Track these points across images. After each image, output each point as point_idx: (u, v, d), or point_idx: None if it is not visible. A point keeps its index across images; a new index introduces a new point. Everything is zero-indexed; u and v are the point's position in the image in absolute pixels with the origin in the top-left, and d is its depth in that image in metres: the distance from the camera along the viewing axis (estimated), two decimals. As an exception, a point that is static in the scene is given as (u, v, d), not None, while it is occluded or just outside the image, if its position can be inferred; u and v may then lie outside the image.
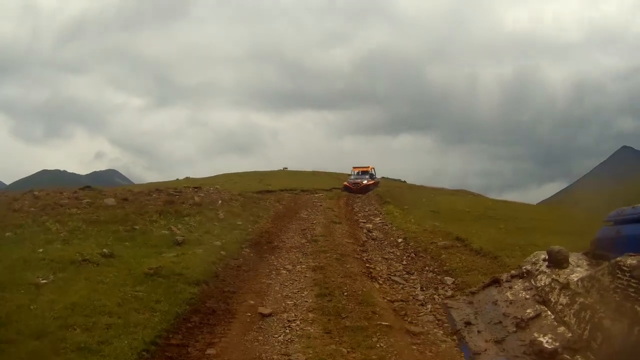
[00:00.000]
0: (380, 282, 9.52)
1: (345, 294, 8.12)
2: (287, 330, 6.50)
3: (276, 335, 6.35)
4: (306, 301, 7.75)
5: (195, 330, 6.31)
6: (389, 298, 8.44)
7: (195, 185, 25.23)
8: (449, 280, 9.55)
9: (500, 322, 3.48)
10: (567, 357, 2.72)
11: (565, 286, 3.27)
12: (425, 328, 7.11)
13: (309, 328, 6.55)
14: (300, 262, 10.51)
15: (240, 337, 6.29)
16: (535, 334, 3.09)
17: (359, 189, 33.10)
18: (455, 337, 3.77)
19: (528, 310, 3.41)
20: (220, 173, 54.49)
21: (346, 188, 34.04)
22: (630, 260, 2.61)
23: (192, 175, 51.55)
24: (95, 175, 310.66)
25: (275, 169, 58.86)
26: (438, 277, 9.92)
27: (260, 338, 6.28)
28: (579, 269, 3.55)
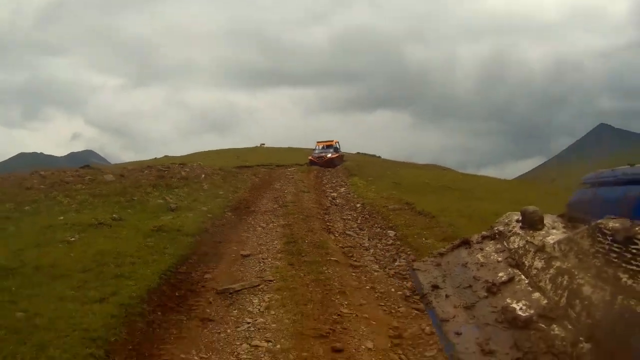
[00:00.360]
0: (336, 235, 11.98)
1: (306, 242, 10.54)
2: (261, 264, 8.90)
3: (253, 267, 8.75)
4: (276, 247, 10.18)
5: (194, 264, 8.67)
6: (340, 245, 10.90)
7: (177, 163, 27.41)
8: (391, 233, 12.01)
9: (470, 287, 3.40)
10: (543, 325, 2.59)
11: (541, 249, 3.15)
12: (365, 263, 9.58)
13: (277, 262, 8.97)
14: (272, 222, 12.92)
15: (227, 268, 8.71)
16: (508, 300, 2.96)
17: (323, 162, 34.25)
18: (421, 301, 3.86)
19: (500, 274, 3.30)
20: (198, 151, 55.95)
21: (311, 162, 35.18)
22: (613, 224, 2.50)
23: (170, 154, 52.92)
24: (72, 156, 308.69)
25: (254, 145, 60.25)
26: (383, 231, 12.37)
27: (242, 269, 8.68)
28: (554, 231, 3.46)
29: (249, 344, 5.50)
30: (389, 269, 9.17)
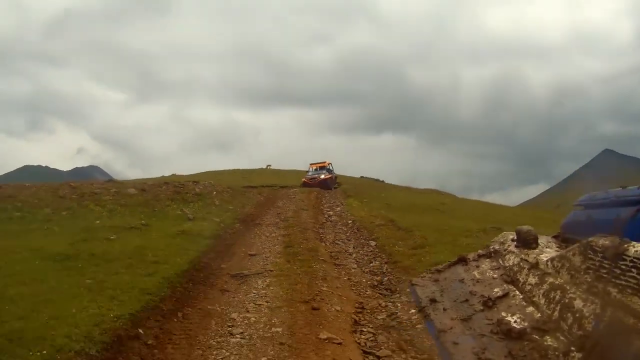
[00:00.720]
0: (327, 244, 14.42)
1: (301, 247, 12.97)
2: (265, 261, 11.36)
3: (258, 262, 11.21)
4: (276, 249, 12.64)
5: (212, 258, 11.12)
6: (329, 250, 13.33)
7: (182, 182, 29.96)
8: (372, 243, 14.43)
9: (467, 301, 3.60)
10: (536, 337, 2.77)
11: (535, 266, 3.33)
12: (346, 264, 12.01)
13: (277, 259, 11.42)
14: (274, 232, 15.39)
15: (238, 262, 11.20)
16: (503, 314, 3.17)
17: (316, 183, 34.78)
18: (419, 314, 4.10)
19: (496, 290, 3.49)
20: (205, 170, 56.54)
21: (304, 184, 35.26)
22: (603, 241, 2.65)
23: (177, 172, 54.10)
24: (77, 171, 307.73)
25: (258, 166, 61.56)
26: (366, 241, 14.78)
27: (249, 263, 11.14)
28: (548, 249, 3.62)
29: (255, 303, 7.98)
30: (365, 268, 11.63)
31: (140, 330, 6.25)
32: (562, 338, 2.61)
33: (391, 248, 13.21)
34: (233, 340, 6.45)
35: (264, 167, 60.59)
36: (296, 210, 20.76)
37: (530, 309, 3.06)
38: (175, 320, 7.13)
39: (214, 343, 6.38)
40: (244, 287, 9.08)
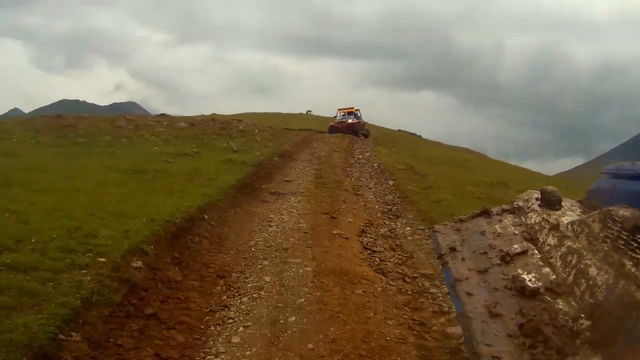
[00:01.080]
0: (352, 179, 16.76)
1: (329, 179, 15.35)
2: (297, 185, 13.81)
3: (292, 186, 13.67)
4: (308, 179, 15.07)
5: (255, 181, 13.55)
6: (352, 184, 15.67)
7: (227, 120, 32.46)
8: (390, 182, 16.69)
9: (486, 253, 3.76)
10: (549, 298, 2.84)
11: (555, 227, 3.42)
12: (365, 194, 14.35)
13: (308, 185, 13.85)
14: (307, 167, 17.81)
15: (276, 185, 13.71)
16: (519, 271, 3.27)
17: (343, 127, 35.26)
18: (438, 261, 4.28)
19: (515, 246, 3.64)
20: (246, 112, 57.20)
21: (332, 127, 35.81)
22: (623, 212, 2.68)
23: (217, 112, 54.99)
24: (114, 106, 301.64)
25: (298, 112, 62.37)
26: (386, 181, 17.06)
27: (285, 186, 13.62)
28: (570, 212, 3.77)
29: (287, 211, 10.50)
30: (379, 199, 13.93)
31: (206, 216, 8.75)
32: (573, 303, 2.67)
33: (405, 187, 15.44)
34: (270, 229, 8.98)
35: (304, 112, 61.34)
36: (329, 152, 23.11)
37: (546, 269, 3.12)
38: (229, 214, 9.64)
39: (257, 229, 8.89)
40: (280, 201, 11.58)
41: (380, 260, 8.03)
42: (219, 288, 6.57)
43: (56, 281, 5.11)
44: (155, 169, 12.87)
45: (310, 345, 5.06)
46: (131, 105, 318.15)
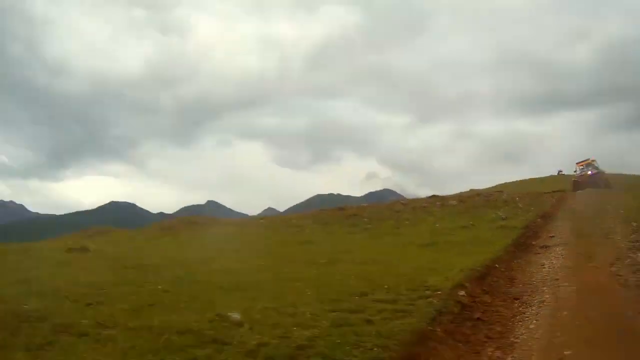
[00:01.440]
0: (601, 228, 19.44)
1: (583, 231, 18.45)
2: (560, 239, 17.36)
3: (557, 239, 17.27)
4: (567, 232, 18.44)
5: (526, 239, 17.40)
6: (603, 232, 18.43)
7: (490, 192, 36.44)
8: (634, 223, 18.97)
9: None
10: None
11: None
12: (614, 237, 17.14)
13: (568, 237, 17.29)
14: (566, 223, 20.99)
15: (543, 239, 17.43)
16: None
17: (585, 180, 37.16)
18: None
19: None
20: (500, 183, 59.23)
21: (575, 183, 37.81)
22: None
23: (474, 187, 57.27)
24: (371, 195, 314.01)
25: (549, 173, 63.78)
26: (630, 223, 19.36)
27: (551, 239, 17.29)
28: None
29: (555, 257, 14.29)
30: (624, 239, 16.62)
31: (497, 265, 13.20)
32: None
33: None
34: (544, 269, 12.97)
35: (556, 173, 62.14)
36: (581, 208, 25.68)
37: None
38: (512, 263, 13.93)
39: (534, 271, 13.00)
40: (548, 251, 15.41)
41: (624, 280, 11.45)
42: (516, 304, 10.88)
43: (415, 305, 9.36)
44: (444, 240, 17.80)
45: (577, 322, 9.09)
46: (388, 193, 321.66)
